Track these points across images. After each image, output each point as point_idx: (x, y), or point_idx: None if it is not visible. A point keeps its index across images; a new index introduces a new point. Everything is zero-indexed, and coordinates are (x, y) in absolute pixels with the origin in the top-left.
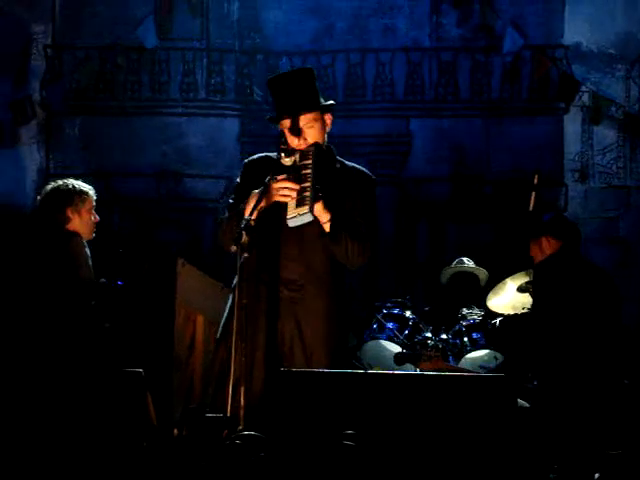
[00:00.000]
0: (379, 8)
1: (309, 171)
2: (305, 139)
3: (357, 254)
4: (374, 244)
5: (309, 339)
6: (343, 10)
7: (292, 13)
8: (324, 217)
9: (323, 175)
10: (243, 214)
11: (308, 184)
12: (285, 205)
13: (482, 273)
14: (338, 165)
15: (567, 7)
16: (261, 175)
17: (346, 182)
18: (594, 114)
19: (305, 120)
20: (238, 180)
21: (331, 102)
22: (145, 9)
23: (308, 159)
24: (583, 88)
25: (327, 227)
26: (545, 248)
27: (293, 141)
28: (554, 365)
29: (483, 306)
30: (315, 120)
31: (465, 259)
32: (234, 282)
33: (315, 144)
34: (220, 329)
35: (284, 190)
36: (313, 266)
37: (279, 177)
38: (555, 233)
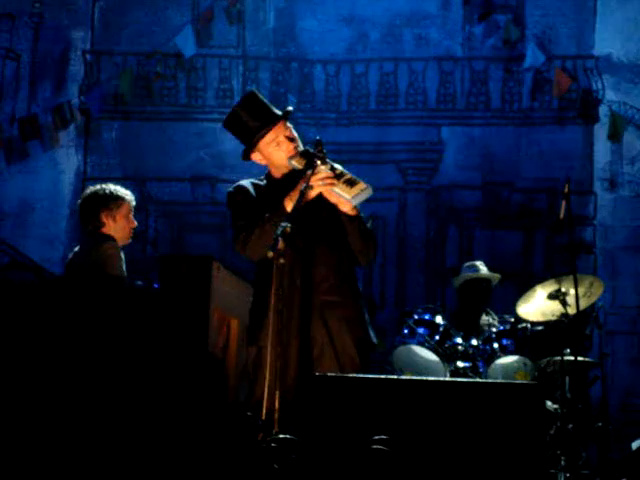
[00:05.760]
0: (412, 18)
1: (327, 160)
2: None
3: (372, 242)
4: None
5: (339, 344)
6: (377, 20)
7: (327, 22)
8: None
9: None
10: (274, 220)
11: (339, 168)
12: (317, 203)
13: (495, 277)
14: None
15: (598, 18)
16: (260, 198)
17: None
18: (612, 132)
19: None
20: (237, 204)
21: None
22: (183, 17)
23: (320, 151)
24: (613, 98)
25: (352, 210)
26: None
27: (290, 147)
28: None
29: (512, 312)
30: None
31: (478, 263)
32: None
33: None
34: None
35: (327, 179)
36: (340, 269)
37: (316, 169)
38: None
